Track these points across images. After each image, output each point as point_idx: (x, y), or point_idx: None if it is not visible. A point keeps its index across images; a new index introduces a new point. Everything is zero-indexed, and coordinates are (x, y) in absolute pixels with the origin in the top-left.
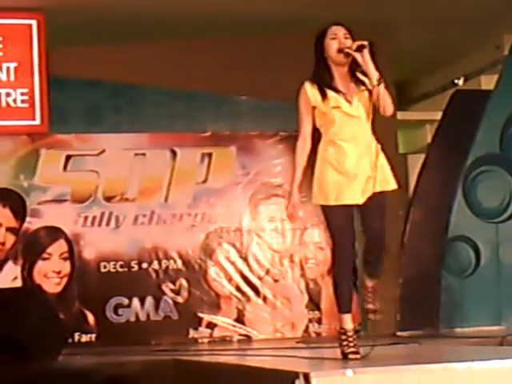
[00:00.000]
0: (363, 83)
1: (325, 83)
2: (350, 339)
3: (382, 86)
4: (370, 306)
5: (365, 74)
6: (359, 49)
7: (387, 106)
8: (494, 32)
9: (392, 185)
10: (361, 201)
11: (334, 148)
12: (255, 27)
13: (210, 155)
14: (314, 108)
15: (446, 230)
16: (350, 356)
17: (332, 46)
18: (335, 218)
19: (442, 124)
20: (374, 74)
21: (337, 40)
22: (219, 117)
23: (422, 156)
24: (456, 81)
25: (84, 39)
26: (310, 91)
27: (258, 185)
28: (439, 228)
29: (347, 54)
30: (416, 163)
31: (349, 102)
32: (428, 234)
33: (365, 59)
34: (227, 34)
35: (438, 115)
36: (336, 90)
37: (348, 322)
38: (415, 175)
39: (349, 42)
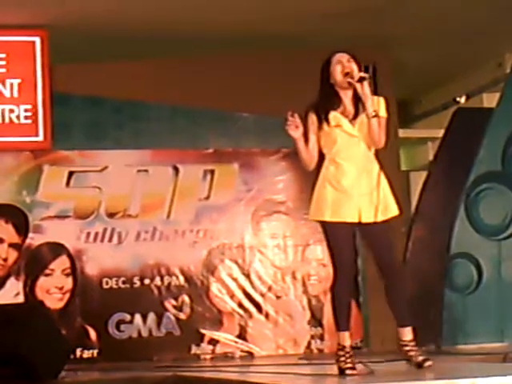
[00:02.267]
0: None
1: (331, 106)
2: (347, 355)
3: (376, 120)
4: (423, 358)
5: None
6: (360, 80)
7: (377, 140)
8: (496, 50)
9: (393, 211)
10: (356, 219)
11: (334, 166)
12: (258, 44)
13: (212, 172)
14: (319, 129)
15: (448, 247)
16: (347, 372)
17: (337, 71)
18: (333, 236)
19: (443, 141)
20: (370, 107)
21: (341, 65)
22: (222, 133)
23: (424, 173)
24: (458, 99)
25: (87, 56)
26: (313, 115)
27: (261, 201)
28: (441, 245)
29: (349, 83)
30: (418, 180)
31: (351, 122)
32: (430, 251)
33: (364, 90)
34: (229, 51)
35: (440, 133)
36: (340, 112)
37: (345, 338)
38: (417, 192)
39: (353, 66)
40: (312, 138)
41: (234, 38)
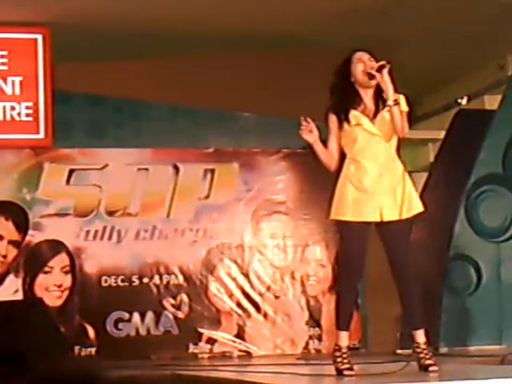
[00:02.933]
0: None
1: (352, 105)
2: (344, 356)
3: (397, 107)
4: (429, 362)
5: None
6: (379, 69)
7: (400, 127)
8: (498, 52)
9: (417, 208)
10: (378, 218)
11: (355, 166)
12: (259, 44)
13: (212, 171)
14: (340, 129)
15: (448, 248)
16: (345, 372)
17: (358, 69)
18: (349, 235)
19: (444, 143)
20: (391, 95)
21: (362, 63)
22: (222, 133)
23: (425, 175)
24: (459, 100)
25: (88, 55)
26: (333, 115)
27: (261, 201)
28: (441, 247)
29: (370, 75)
30: (419, 182)
31: (371, 121)
32: (430, 252)
33: (383, 79)
34: (230, 51)
35: (441, 134)
36: (362, 110)
37: (344, 339)
38: (418, 194)
39: (374, 64)
40: (332, 137)
41: (235, 38)
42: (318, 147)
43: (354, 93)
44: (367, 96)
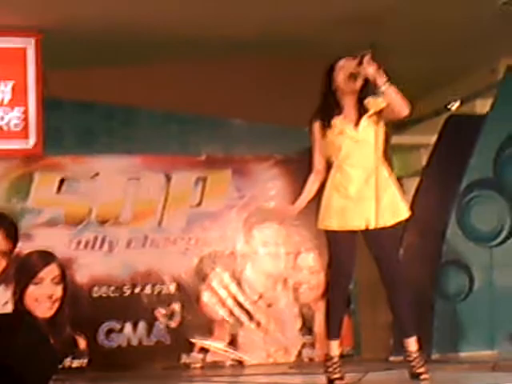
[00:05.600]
0: (367, 109)
1: (332, 113)
2: (335, 365)
3: (392, 88)
4: (421, 370)
5: (374, 93)
6: (361, 61)
7: (400, 106)
8: (489, 55)
9: (403, 214)
10: (363, 227)
11: (341, 173)
12: (250, 50)
13: (204, 179)
14: (324, 138)
15: (440, 253)
16: (336, 382)
17: (340, 77)
18: (336, 243)
19: (436, 148)
20: (381, 78)
21: (344, 70)
22: (214, 140)
23: (417, 180)
24: (450, 105)
25: (79, 61)
26: (317, 123)
27: (253, 208)
28: (433, 252)
29: (353, 76)
30: (410, 187)
31: (355, 127)
32: (422, 257)
33: (369, 68)
34: (222, 57)
35: (433, 139)
36: (343, 117)
37: (334, 348)
38: (409, 199)
39: (353, 63)
40: (317, 147)
41: (227, 44)
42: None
43: (336, 101)
44: (349, 104)
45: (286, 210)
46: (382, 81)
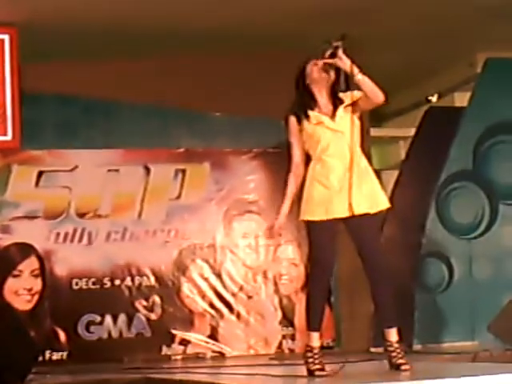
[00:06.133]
0: (342, 101)
1: (308, 106)
2: (316, 356)
3: (363, 76)
4: (401, 361)
5: (347, 88)
6: (333, 54)
7: (376, 93)
8: (467, 50)
9: (384, 204)
10: (348, 213)
11: (321, 164)
12: (229, 44)
13: (183, 171)
14: (301, 132)
15: (420, 245)
16: (317, 373)
17: (314, 70)
18: (317, 235)
19: (415, 140)
20: (354, 68)
21: (317, 65)
22: (193, 133)
23: (396, 172)
24: (430, 98)
25: (58, 54)
26: (293, 117)
27: (232, 201)
28: (413, 244)
29: (327, 68)
30: (390, 179)
31: (332, 118)
32: (402, 249)
33: (342, 60)
34: (201, 52)
35: (412, 132)
36: (319, 111)
37: (315, 339)
38: (389, 191)
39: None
40: (295, 142)
41: (207, 38)
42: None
43: (310, 95)
44: (323, 96)
45: (274, 224)
46: (355, 71)
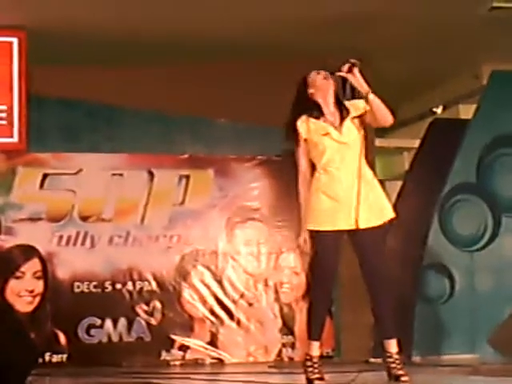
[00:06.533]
0: (348, 111)
1: (313, 115)
2: (316, 365)
3: (374, 96)
4: (400, 373)
5: (354, 96)
6: (350, 69)
7: (385, 114)
8: (472, 61)
9: (389, 214)
10: (353, 226)
11: (326, 176)
12: (234, 51)
13: (187, 177)
14: (305, 140)
15: (422, 257)
16: (316, 382)
17: (318, 77)
18: (321, 244)
19: (419, 152)
20: (366, 87)
21: (321, 74)
22: (197, 139)
23: (399, 183)
24: (434, 109)
25: (64, 59)
26: (300, 126)
27: (235, 208)
28: (415, 255)
29: (335, 77)
30: (393, 190)
31: (338, 129)
32: (403, 261)
33: (356, 77)
34: (206, 58)
35: (416, 143)
36: (324, 120)
37: (315, 348)
38: (392, 202)
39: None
40: (301, 151)
41: (212, 46)
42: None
43: (314, 104)
44: (328, 106)
45: (301, 242)
46: (366, 90)
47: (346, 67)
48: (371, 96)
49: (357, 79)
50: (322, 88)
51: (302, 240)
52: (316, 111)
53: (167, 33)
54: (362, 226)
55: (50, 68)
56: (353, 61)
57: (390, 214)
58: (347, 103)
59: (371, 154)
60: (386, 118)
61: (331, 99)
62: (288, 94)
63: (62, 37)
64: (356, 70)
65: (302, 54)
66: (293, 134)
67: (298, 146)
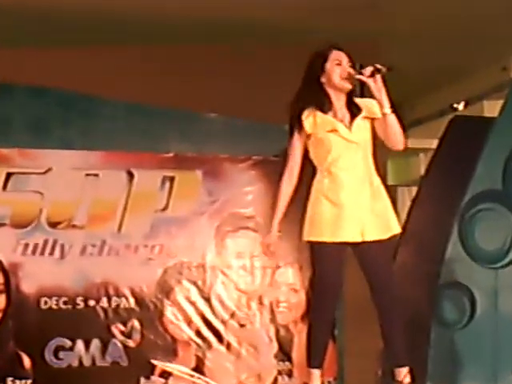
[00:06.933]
0: (360, 109)
1: (321, 109)
2: None
3: (394, 116)
4: None
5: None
6: (373, 74)
7: (397, 138)
8: (499, 52)
9: (394, 229)
10: (359, 239)
11: (330, 178)
12: (230, 34)
13: (172, 179)
14: (308, 137)
15: (438, 274)
16: None
17: (336, 72)
18: (323, 258)
19: (437, 154)
20: (387, 101)
21: (341, 67)
22: (184, 136)
23: (414, 189)
24: (455, 105)
25: (31, 40)
26: (305, 119)
27: (226, 215)
28: (430, 272)
29: (358, 81)
30: (407, 197)
31: (347, 127)
32: (417, 278)
33: (378, 84)
34: (197, 41)
35: (434, 143)
36: (333, 115)
37: (316, 378)
38: (405, 211)
39: (351, 71)
40: (297, 151)
41: (204, 27)
42: None
43: (324, 95)
44: (339, 100)
45: (266, 241)
46: (386, 104)
47: (368, 71)
48: (388, 111)
49: (379, 88)
50: (337, 84)
51: (271, 240)
52: (326, 103)
53: (155, 12)
54: (368, 238)
55: (16, 51)
56: (379, 66)
57: (396, 229)
58: (359, 101)
59: (383, 156)
60: (397, 141)
61: (342, 95)
62: (291, 85)
63: (29, 14)
64: (379, 76)
65: (309, 41)
66: (298, 125)
67: (295, 135)
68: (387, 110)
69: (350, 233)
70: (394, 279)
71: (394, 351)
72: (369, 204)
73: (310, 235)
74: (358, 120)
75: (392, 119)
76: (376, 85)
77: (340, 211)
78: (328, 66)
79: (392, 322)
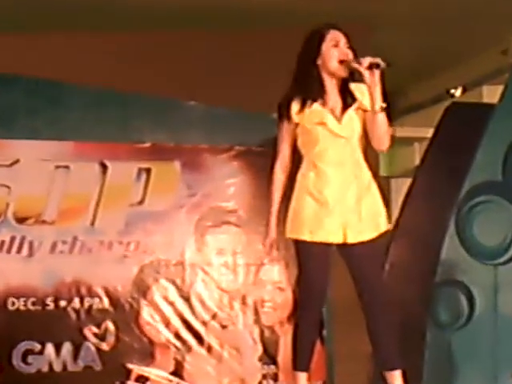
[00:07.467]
0: (355, 99)
1: (312, 95)
2: None
3: (384, 115)
4: None
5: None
6: (371, 66)
7: (382, 138)
8: (499, 34)
9: (382, 227)
10: (340, 240)
11: (315, 172)
12: (211, 17)
13: (148, 171)
14: (296, 125)
15: (434, 272)
16: None
17: (333, 55)
18: (307, 256)
19: (433, 143)
20: (379, 99)
21: (338, 49)
22: (161, 125)
23: (409, 180)
24: (452, 91)
25: None
26: (293, 107)
27: (206, 209)
28: (426, 269)
29: (351, 68)
30: (400, 189)
31: (337, 119)
32: (412, 276)
33: (374, 79)
34: (176, 25)
35: (429, 132)
36: (323, 104)
37: (302, 381)
38: (399, 203)
39: (349, 53)
40: (286, 139)
41: (181, 10)
42: None
43: (318, 80)
44: (333, 87)
45: (267, 241)
46: (379, 102)
47: (367, 61)
48: (379, 108)
49: (374, 83)
50: (333, 68)
51: (269, 244)
52: (318, 89)
53: None
54: (351, 240)
55: None
56: (379, 61)
57: (385, 226)
58: (354, 87)
59: (369, 149)
60: (381, 142)
61: (335, 81)
62: (275, 72)
63: None
64: (377, 72)
65: (295, 25)
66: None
67: (283, 123)
68: (378, 107)
69: (331, 233)
70: (381, 281)
71: (382, 355)
72: (354, 203)
73: (291, 233)
74: (350, 111)
75: (381, 118)
76: (373, 78)
77: (323, 209)
78: (324, 47)
79: (379, 325)
